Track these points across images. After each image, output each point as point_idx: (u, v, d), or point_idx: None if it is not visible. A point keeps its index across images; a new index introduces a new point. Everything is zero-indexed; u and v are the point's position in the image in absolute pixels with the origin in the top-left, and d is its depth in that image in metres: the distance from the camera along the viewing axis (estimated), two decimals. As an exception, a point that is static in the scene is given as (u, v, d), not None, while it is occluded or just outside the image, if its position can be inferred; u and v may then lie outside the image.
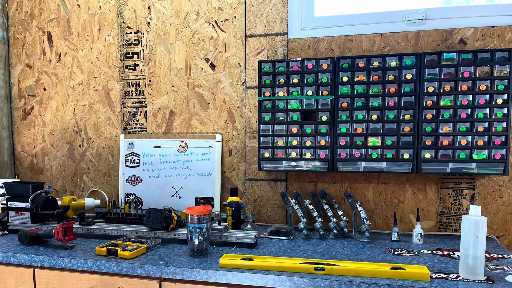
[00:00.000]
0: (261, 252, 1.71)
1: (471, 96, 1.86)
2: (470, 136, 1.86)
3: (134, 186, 2.42)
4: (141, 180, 2.41)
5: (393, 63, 1.94)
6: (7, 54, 2.66)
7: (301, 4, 2.20)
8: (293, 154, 2.07)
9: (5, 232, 2.04)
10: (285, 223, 2.27)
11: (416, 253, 1.72)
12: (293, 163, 2.08)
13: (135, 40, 2.44)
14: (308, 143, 2.04)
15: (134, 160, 2.42)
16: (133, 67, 2.45)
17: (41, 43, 2.61)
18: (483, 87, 1.84)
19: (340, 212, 1.99)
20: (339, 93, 2.00)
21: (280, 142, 2.08)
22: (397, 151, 1.94)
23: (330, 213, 1.97)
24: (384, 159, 1.96)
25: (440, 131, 1.89)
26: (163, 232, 1.84)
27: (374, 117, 1.96)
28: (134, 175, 2.42)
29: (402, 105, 1.93)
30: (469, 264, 1.40)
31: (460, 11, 2.02)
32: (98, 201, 2.32)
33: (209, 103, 2.34)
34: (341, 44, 2.14)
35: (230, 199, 2.04)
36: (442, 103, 1.89)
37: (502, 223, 2.02)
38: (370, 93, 1.97)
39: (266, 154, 2.11)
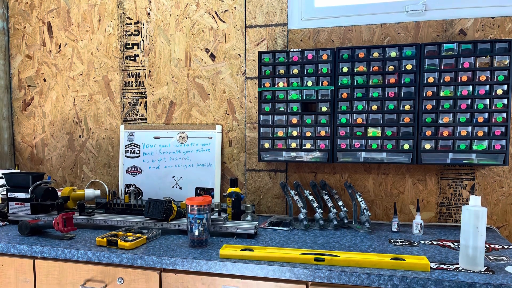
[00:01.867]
0: (261, 242, 1.72)
1: (471, 86, 1.85)
2: (470, 127, 1.86)
3: (134, 176, 2.42)
4: (141, 170, 2.41)
5: (393, 54, 1.93)
6: (7, 45, 2.65)
7: (301, -6, 2.19)
8: (293, 145, 2.06)
9: (5, 222, 2.04)
10: (285, 214, 2.27)
11: (416, 243, 1.72)
12: (293, 154, 2.08)
13: (135, 30, 2.43)
14: (308, 134, 2.04)
15: (134, 150, 2.41)
16: (133, 58, 2.44)
17: (41, 34, 2.60)
18: (483, 78, 1.83)
19: (340, 203, 2.00)
20: (339, 84, 1.99)
21: (280, 132, 2.08)
22: (397, 141, 1.94)
23: (330, 204, 1.97)
24: (384, 150, 1.96)
25: (440, 121, 1.89)
26: (163, 223, 1.85)
27: (374, 107, 1.96)
28: (134, 165, 2.42)
29: (402, 95, 1.93)
30: (469, 255, 1.41)
31: (460, 2, 2.01)
32: (98, 192, 2.32)
33: (209, 94, 2.33)
34: (341, 35, 2.13)
35: (230, 189, 2.04)
36: (442, 94, 1.88)
37: (502, 214, 2.02)
38: (370, 83, 1.96)
39: (266, 145, 2.11)
